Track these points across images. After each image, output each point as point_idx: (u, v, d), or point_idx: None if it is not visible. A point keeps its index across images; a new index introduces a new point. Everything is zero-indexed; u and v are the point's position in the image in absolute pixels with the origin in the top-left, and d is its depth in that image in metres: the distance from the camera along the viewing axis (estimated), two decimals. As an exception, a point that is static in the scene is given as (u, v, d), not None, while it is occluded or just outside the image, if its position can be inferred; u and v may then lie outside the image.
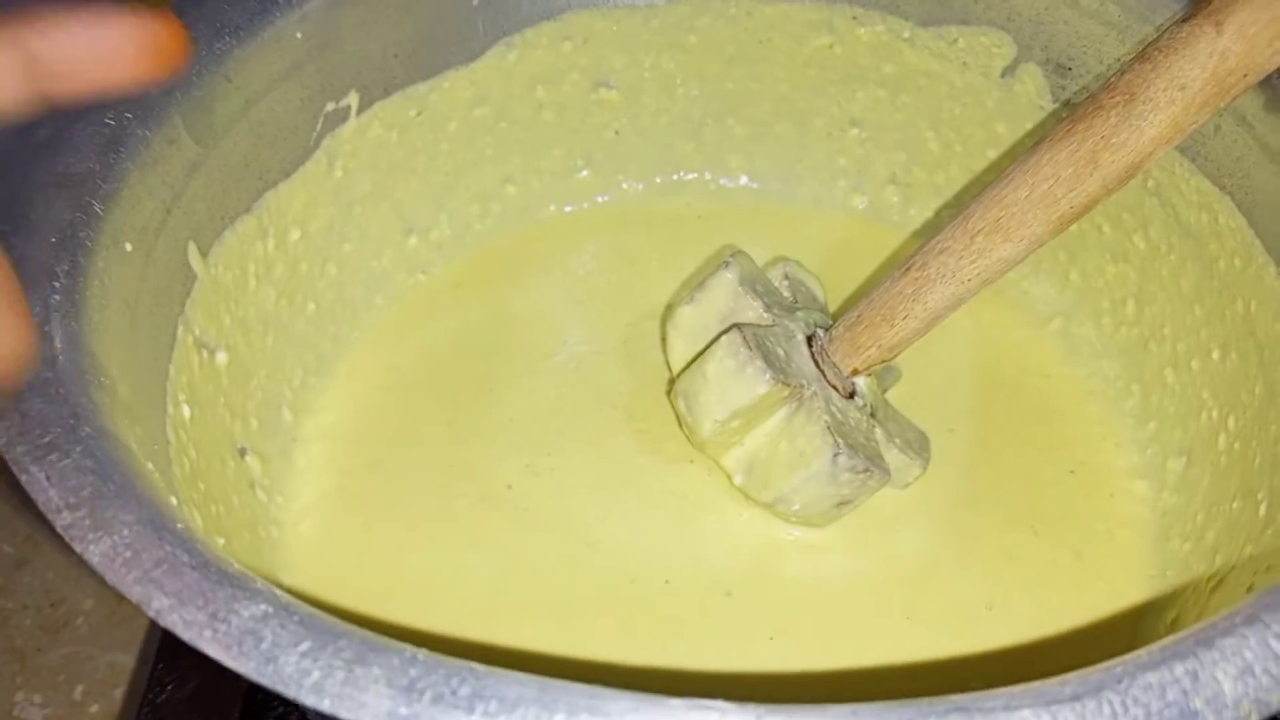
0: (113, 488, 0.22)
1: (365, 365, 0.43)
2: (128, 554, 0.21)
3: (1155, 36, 0.33)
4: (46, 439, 0.23)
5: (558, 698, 0.19)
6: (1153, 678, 0.19)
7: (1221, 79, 0.31)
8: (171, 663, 0.38)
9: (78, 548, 0.21)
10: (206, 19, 0.36)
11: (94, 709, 0.41)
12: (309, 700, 0.18)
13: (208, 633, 0.19)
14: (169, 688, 0.36)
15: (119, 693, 0.42)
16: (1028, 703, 0.19)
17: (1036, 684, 0.20)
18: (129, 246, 0.31)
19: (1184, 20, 0.32)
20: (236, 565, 0.21)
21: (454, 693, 0.18)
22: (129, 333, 0.30)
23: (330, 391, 0.42)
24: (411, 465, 0.40)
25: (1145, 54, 0.32)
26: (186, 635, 0.19)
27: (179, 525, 0.22)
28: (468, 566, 0.37)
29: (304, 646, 0.19)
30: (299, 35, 0.38)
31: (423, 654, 0.19)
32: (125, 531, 0.21)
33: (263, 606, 0.20)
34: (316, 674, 0.19)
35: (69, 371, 0.25)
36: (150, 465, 0.27)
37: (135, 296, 0.31)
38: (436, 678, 0.19)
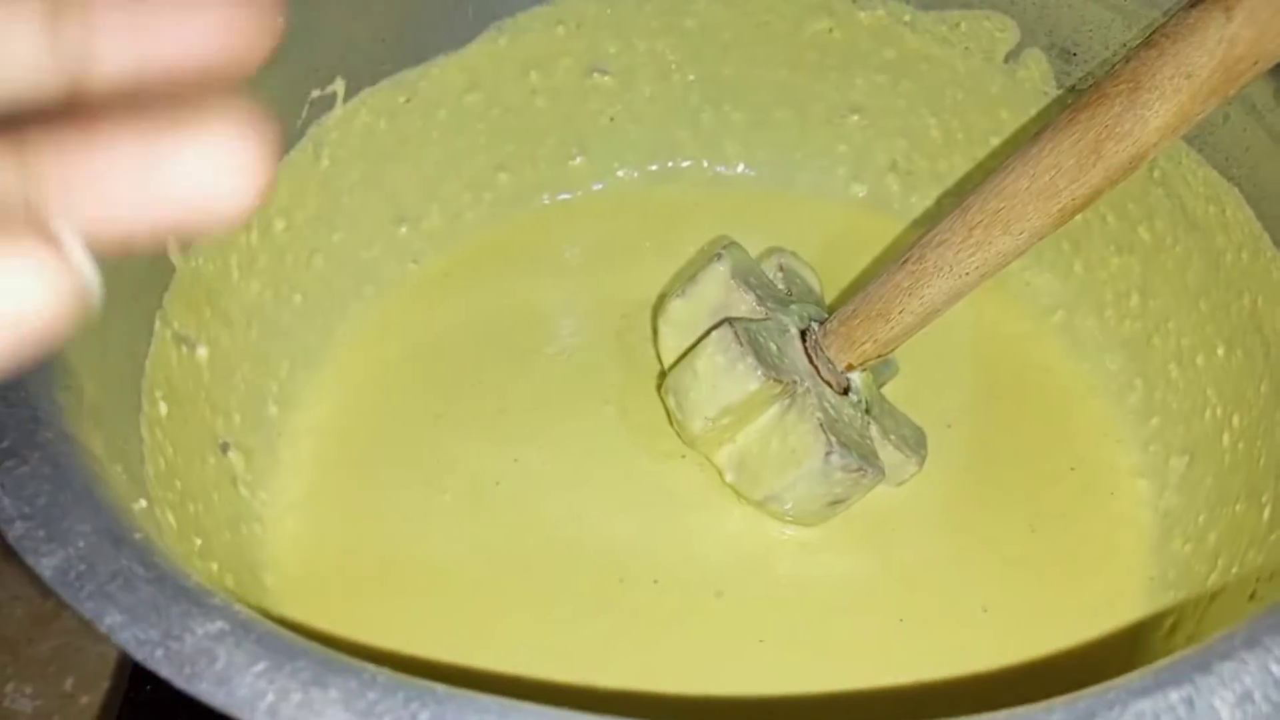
0: (70, 496, 0.21)
1: (354, 358, 0.43)
2: (81, 567, 0.20)
3: (1162, 22, 0.32)
4: (3, 444, 0.22)
5: (521, 722, 0.18)
6: (1146, 705, 0.18)
7: (1230, 66, 0.30)
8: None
9: (29, 560, 0.20)
10: (184, 4, 0.35)
11: (84, 700, 0.41)
12: (263, 724, 0.18)
13: (160, 652, 0.19)
14: (147, 687, 0.36)
15: (109, 684, 0.42)
16: (1013, 729, 0.18)
17: (1022, 709, 0.19)
18: (101, 240, 0.30)
19: (1192, 5, 0.30)
20: (196, 579, 0.20)
21: (413, 717, 0.18)
22: (100, 329, 0.29)
23: (317, 385, 0.41)
24: (399, 460, 0.39)
25: (1151, 40, 0.31)
26: (139, 654, 0.19)
27: (138, 536, 0.21)
28: (454, 563, 0.36)
29: (259, 667, 0.18)
30: (281, 20, 0.37)
31: (383, 675, 0.18)
32: (80, 543, 0.20)
33: (219, 624, 0.19)
34: (271, 696, 0.18)
35: (30, 373, 0.24)
36: (119, 468, 0.26)
37: (107, 291, 0.30)
38: (395, 701, 0.18)
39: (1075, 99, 0.32)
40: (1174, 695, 0.18)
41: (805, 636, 0.35)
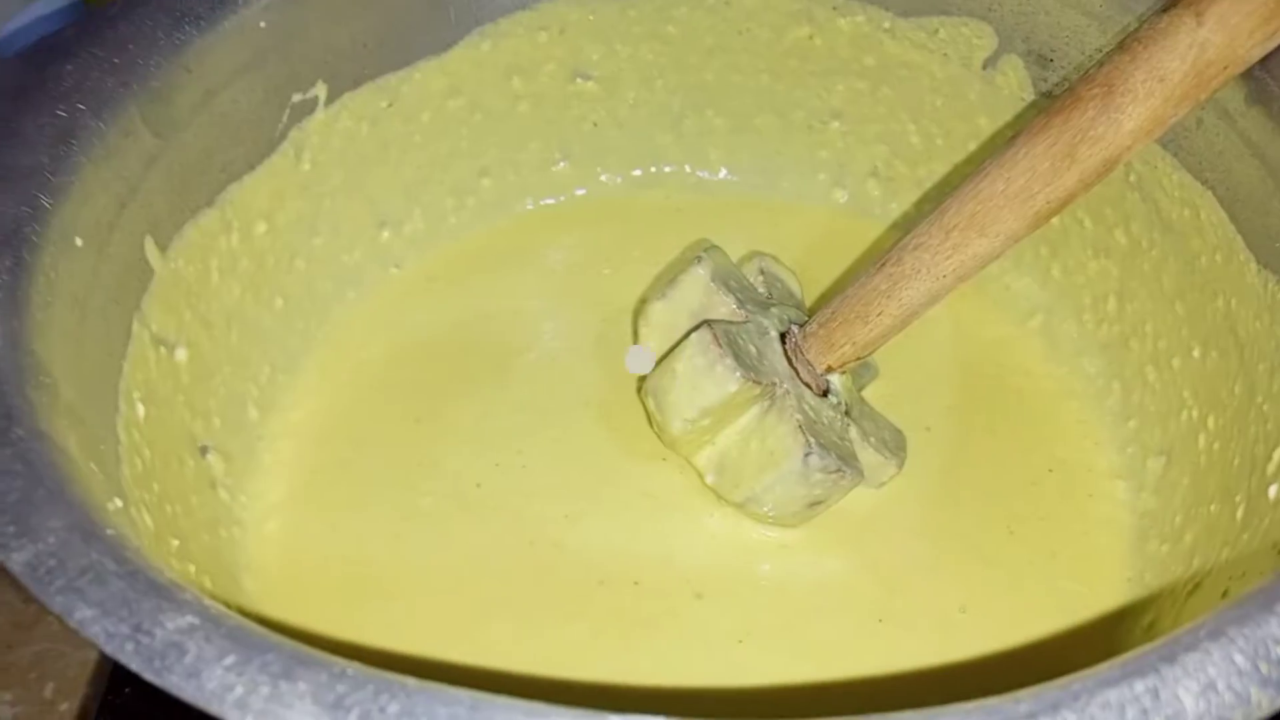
0: (42, 492, 0.22)
1: (335, 361, 0.43)
2: (51, 562, 0.20)
3: (1136, 27, 0.32)
4: (-25, 442, 0.22)
5: (491, 715, 0.18)
6: (1112, 695, 0.18)
7: (1201, 71, 0.30)
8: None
9: (0, 555, 0.20)
10: (165, 7, 0.35)
11: (64, 707, 0.41)
12: (232, 717, 0.18)
13: (130, 645, 0.19)
14: (125, 690, 0.36)
15: (88, 691, 0.41)
16: (981, 720, 0.18)
17: (991, 700, 0.19)
18: (79, 241, 0.30)
19: (1163, 11, 0.31)
20: (167, 574, 0.20)
21: (382, 710, 0.18)
22: (76, 330, 0.29)
23: (298, 388, 0.42)
24: (379, 463, 0.39)
25: (1124, 45, 0.31)
26: (108, 648, 0.19)
27: (109, 532, 0.21)
28: (434, 566, 0.36)
29: (229, 660, 0.18)
30: (263, 24, 0.37)
31: (353, 668, 0.18)
32: (51, 539, 0.20)
33: (189, 618, 0.19)
34: (240, 689, 0.18)
35: (5, 371, 0.24)
36: (94, 467, 0.26)
37: (85, 293, 0.30)
38: (365, 694, 0.18)
39: (1050, 103, 0.33)
40: (1139, 686, 0.18)
41: (785, 637, 0.35)
